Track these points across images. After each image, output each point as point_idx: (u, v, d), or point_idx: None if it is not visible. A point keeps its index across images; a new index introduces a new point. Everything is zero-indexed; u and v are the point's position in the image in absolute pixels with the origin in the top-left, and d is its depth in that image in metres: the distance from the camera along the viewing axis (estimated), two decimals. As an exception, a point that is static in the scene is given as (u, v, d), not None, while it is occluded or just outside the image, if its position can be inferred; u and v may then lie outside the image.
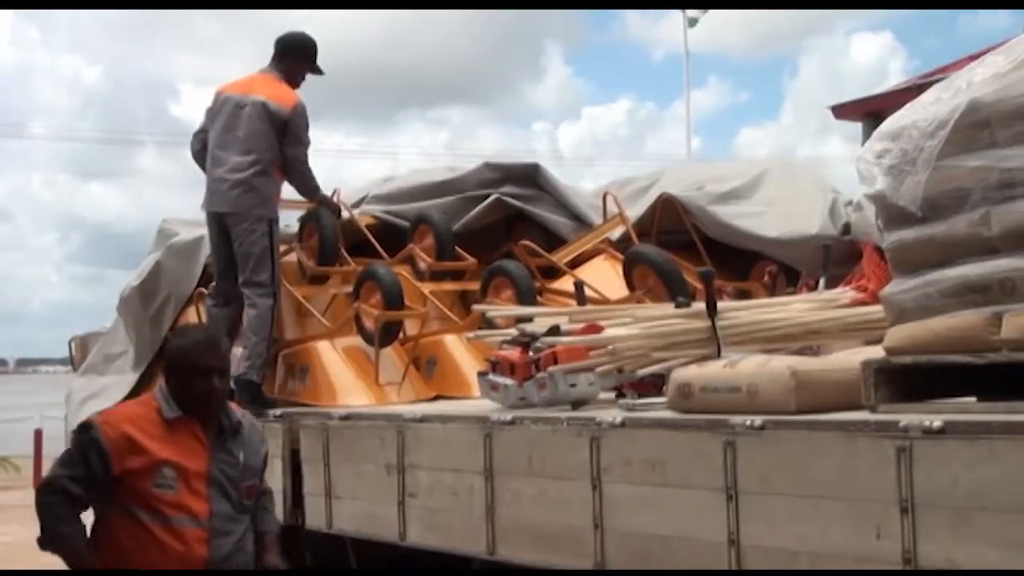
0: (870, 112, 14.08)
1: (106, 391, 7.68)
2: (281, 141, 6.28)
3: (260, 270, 6.15)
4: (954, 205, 3.27)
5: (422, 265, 6.86)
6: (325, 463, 5.29)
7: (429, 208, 7.14)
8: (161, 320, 7.39)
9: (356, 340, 6.32)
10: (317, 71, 6.53)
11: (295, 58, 6.44)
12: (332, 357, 6.24)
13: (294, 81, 6.41)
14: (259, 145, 6.22)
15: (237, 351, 6.16)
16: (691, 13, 28.59)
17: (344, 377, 6.05)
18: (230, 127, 6.30)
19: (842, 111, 15.89)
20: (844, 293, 5.16)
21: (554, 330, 4.60)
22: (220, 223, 6.29)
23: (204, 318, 6.74)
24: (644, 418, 3.90)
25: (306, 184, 6.55)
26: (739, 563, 3.42)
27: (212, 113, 6.44)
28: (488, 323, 5.56)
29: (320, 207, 6.72)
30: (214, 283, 6.54)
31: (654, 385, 4.42)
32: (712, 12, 28.88)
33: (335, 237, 6.72)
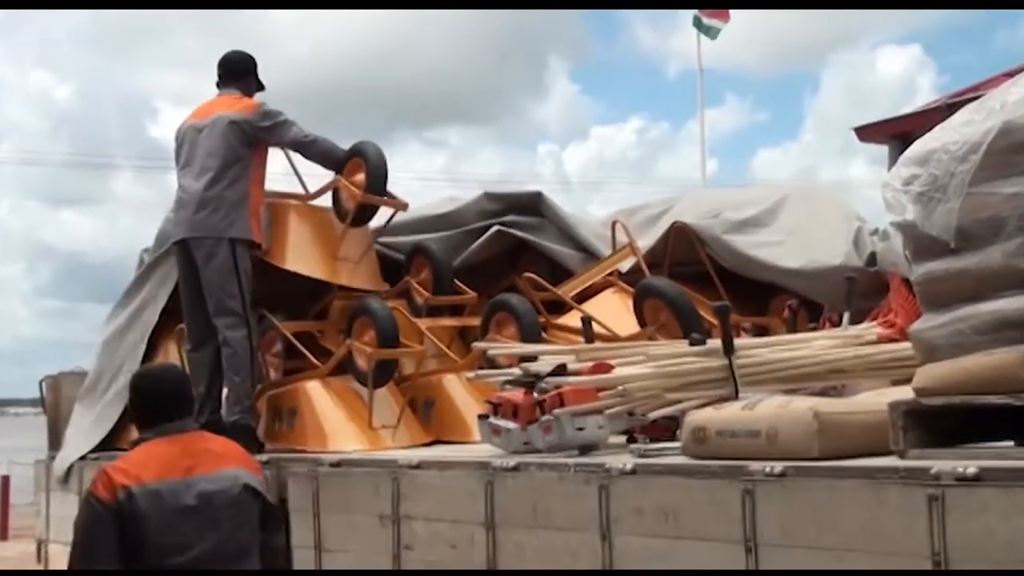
0: (896, 134, 13.93)
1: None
2: (264, 144, 6.21)
3: (227, 298, 5.95)
4: (988, 235, 3.19)
5: (419, 299, 6.70)
6: (315, 513, 5.15)
7: (427, 241, 6.98)
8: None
9: (348, 380, 6.15)
10: (262, 86, 6.52)
11: (247, 74, 6.45)
12: (322, 398, 6.07)
13: (250, 95, 6.40)
14: (220, 160, 6.06)
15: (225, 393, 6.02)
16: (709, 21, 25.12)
17: (335, 420, 5.90)
18: (191, 154, 6.19)
19: (866, 133, 15.68)
20: (870, 329, 5.06)
21: (560, 369, 4.53)
22: (186, 252, 6.11)
23: (185, 361, 6.48)
24: (657, 464, 3.84)
25: (325, 153, 6.40)
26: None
27: (177, 149, 6.35)
28: (489, 362, 5.48)
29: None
30: (184, 324, 6.34)
31: (667, 428, 4.35)
32: (728, 24, 26.48)
33: (383, 179, 6.33)
